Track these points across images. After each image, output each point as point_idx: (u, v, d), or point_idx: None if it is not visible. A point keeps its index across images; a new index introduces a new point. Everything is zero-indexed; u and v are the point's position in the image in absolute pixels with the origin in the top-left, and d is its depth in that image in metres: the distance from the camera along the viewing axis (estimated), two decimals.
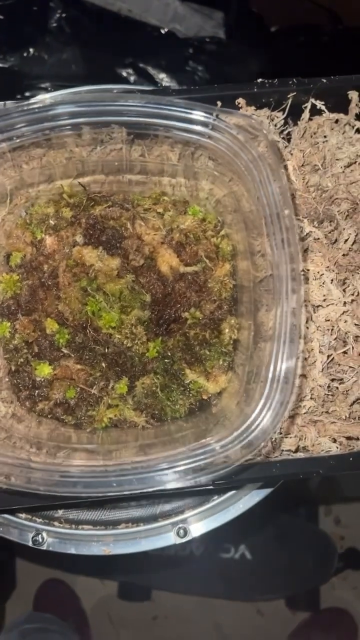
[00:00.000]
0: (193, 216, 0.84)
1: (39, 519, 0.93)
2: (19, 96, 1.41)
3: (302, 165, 0.84)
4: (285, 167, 0.83)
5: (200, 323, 0.82)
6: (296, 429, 0.78)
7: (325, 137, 0.84)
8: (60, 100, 0.68)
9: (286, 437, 0.78)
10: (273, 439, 0.76)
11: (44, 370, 0.79)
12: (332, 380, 0.80)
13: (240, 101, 0.81)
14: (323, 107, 0.82)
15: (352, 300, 0.80)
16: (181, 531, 0.93)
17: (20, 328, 0.79)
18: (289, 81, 0.81)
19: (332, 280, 0.79)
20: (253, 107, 0.82)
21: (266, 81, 0.82)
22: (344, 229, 0.81)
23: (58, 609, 1.83)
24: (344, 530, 2.00)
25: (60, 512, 0.94)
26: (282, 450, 0.78)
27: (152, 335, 0.82)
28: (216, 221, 0.85)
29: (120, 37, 1.51)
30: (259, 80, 0.82)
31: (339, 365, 0.80)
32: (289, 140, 0.85)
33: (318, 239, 0.81)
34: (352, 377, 0.79)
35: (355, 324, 0.79)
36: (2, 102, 0.78)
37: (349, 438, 0.79)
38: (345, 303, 0.79)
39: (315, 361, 0.78)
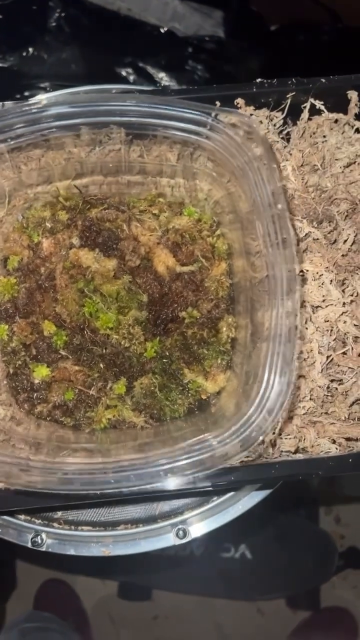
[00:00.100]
0: (189, 217, 0.84)
1: (38, 520, 0.93)
2: (18, 96, 1.41)
3: (302, 165, 0.84)
4: (285, 167, 0.83)
5: (197, 322, 0.82)
6: (295, 430, 0.78)
7: (324, 137, 0.84)
8: (58, 101, 0.68)
9: (285, 438, 0.77)
10: (272, 440, 0.76)
11: (42, 372, 0.79)
12: (332, 381, 0.79)
13: (239, 101, 0.81)
14: (322, 107, 0.82)
15: (352, 301, 0.80)
16: (180, 532, 0.93)
17: (18, 330, 0.79)
18: (288, 81, 0.81)
19: (331, 280, 0.79)
20: (252, 107, 0.82)
21: (265, 81, 0.82)
22: (343, 230, 0.81)
23: (58, 608, 1.83)
24: (344, 529, 2.00)
25: (59, 514, 0.94)
26: (282, 451, 0.78)
27: (149, 335, 0.81)
28: (212, 221, 0.85)
29: (120, 36, 1.50)
30: (258, 80, 0.82)
31: (338, 366, 0.80)
32: (288, 140, 0.85)
33: (317, 239, 0.81)
34: (351, 378, 0.79)
35: (355, 325, 0.79)
36: (1, 103, 0.78)
37: (348, 439, 0.79)
38: (344, 304, 0.79)
39: (314, 362, 0.78)
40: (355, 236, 0.81)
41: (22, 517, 0.93)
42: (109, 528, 0.94)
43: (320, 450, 0.78)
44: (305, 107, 0.82)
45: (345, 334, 0.79)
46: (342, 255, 0.81)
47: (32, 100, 0.69)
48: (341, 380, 0.80)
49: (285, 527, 1.82)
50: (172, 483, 0.72)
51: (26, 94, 1.42)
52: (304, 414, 0.79)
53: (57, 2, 1.44)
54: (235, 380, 0.76)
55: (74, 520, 0.94)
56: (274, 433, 0.76)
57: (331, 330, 0.79)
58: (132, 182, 0.83)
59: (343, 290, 0.80)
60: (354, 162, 0.83)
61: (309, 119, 0.84)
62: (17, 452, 0.67)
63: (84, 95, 0.72)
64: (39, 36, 1.44)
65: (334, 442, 0.78)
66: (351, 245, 0.81)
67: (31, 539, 0.92)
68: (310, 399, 0.79)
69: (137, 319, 0.80)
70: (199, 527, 0.94)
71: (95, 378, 0.79)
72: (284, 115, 0.83)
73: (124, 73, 1.48)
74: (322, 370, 0.78)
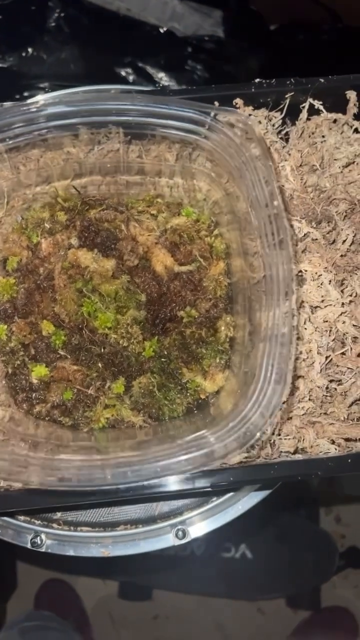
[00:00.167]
0: (187, 217, 0.84)
1: (38, 521, 0.93)
2: (17, 96, 1.41)
3: (300, 165, 0.84)
4: (283, 168, 0.83)
5: (196, 321, 0.82)
6: (294, 431, 0.78)
7: (323, 137, 0.83)
8: (56, 101, 0.68)
9: (284, 439, 0.77)
10: (271, 441, 0.76)
11: (41, 372, 0.79)
12: (331, 381, 0.79)
13: (238, 101, 0.81)
14: (321, 107, 0.82)
15: (350, 301, 0.80)
16: (180, 533, 0.93)
17: (17, 330, 0.79)
18: (287, 81, 0.81)
19: (330, 281, 0.79)
20: (251, 107, 0.82)
21: (264, 81, 0.81)
22: (342, 230, 0.81)
23: (59, 608, 1.83)
24: (344, 528, 2.00)
25: (59, 514, 0.94)
26: (281, 452, 0.78)
27: (148, 335, 0.81)
28: (209, 222, 0.85)
29: (119, 36, 1.50)
30: (257, 80, 0.82)
31: (337, 366, 0.80)
32: (287, 141, 0.85)
33: (316, 239, 0.81)
34: (350, 379, 0.79)
35: (354, 325, 0.79)
36: (0, 103, 0.77)
37: (347, 439, 0.79)
38: (343, 304, 0.79)
39: (313, 362, 0.78)
40: (354, 236, 0.81)
41: (22, 518, 0.93)
42: (109, 529, 0.94)
43: (320, 450, 0.78)
44: (304, 107, 0.82)
45: (344, 334, 0.79)
46: (341, 256, 0.80)
47: (30, 101, 0.69)
48: (340, 380, 0.80)
49: (285, 526, 1.82)
50: (171, 482, 0.72)
51: (25, 94, 1.42)
52: (303, 414, 0.78)
53: (56, 2, 1.44)
54: (234, 380, 0.76)
55: (73, 521, 0.94)
56: (273, 433, 0.76)
57: (330, 331, 0.79)
58: (131, 182, 0.83)
59: (342, 291, 0.80)
60: (353, 162, 0.83)
61: (308, 119, 0.83)
62: (16, 449, 0.67)
63: (81, 95, 0.72)
64: (38, 36, 1.44)
65: (333, 442, 0.78)
66: (350, 246, 0.81)
67: (31, 539, 0.91)
68: (310, 399, 0.79)
69: (135, 318, 0.80)
70: (198, 527, 0.94)
71: (94, 377, 0.79)
72: (283, 115, 0.83)
73: (123, 73, 1.48)
74: (321, 370, 0.78)
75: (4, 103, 0.76)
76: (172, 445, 0.65)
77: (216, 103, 0.79)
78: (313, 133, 0.84)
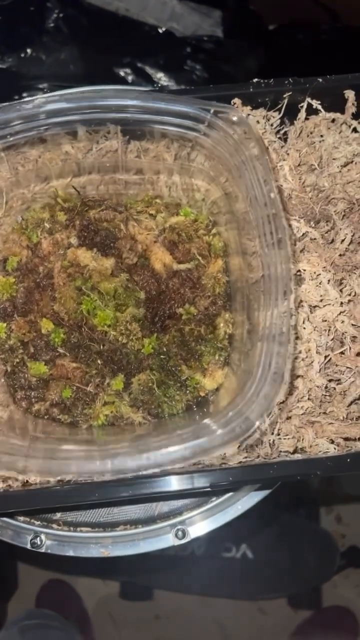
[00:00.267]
0: (185, 217, 0.85)
1: (38, 521, 0.93)
2: (16, 97, 1.40)
3: (299, 165, 0.84)
4: (282, 167, 0.83)
5: (195, 319, 0.82)
6: (294, 430, 0.78)
7: (321, 136, 0.83)
8: (54, 99, 0.68)
9: (284, 439, 0.77)
10: (270, 440, 0.76)
11: (40, 370, 0.79)
12: (330, 381, 0.79)
13: (236, 101, 0.81)
14: (319, 107, 0.82)
15: (349, 301, 0.80)
16: (180, 533, 0.93)
17: (16, 329, 0.80)
18: (285, 81, 0.81)
19: (328, 280, 0.79)
20: (249, 107, 0.82)
21: (262, 81, 0.81)
22: (340, 229, 0.81)
23: (60, 608, 1.83)
24: (345, 528, 2.00)
25: (58, 515, 0.94)
26: (280, 452, 0.78)
27: (147, 332, 0.82)
28: (207, 221, 0.85)
29: (118, 36, 1.50)
30: (255, 80, 0.81)
31: (336, 365, 0.80)
32: (285, 140, 0.85)
33: (314, 239, 0.81)
34: (349, 378, 0.79)
35: (352, 325, 0.79)
36: None
37: (346, 439, 0.79)
38: (342, 303, 0.79)
39: (312, 362, 0.78)
40: (352, 236, 0.81)
41: (21, 518, 0.93)
42: (108, 529, 0.94)
43: (319, 450, 0.78)
44: (302, 106, 0.82)
45: (343, 333, 0.79)
46: (340, 255, 0.80)
47: (28, 99, 0.69)
48: (339, 380, 0.80)
49: (286, 526, 1.82)
50: (171, 482, 0.72)
51: (24, 95, 1.42)
52: (302, 414, 0.78)
53: (55, 2, 1.44)
54: (234, 378, 0.76)
55: (73, 522, 0.94)
56: (272, 433, 0.76)
57: (329, 330, 0.79)
58: (129, 182, 0.83)
59: (341, 290, 0.80)
60: (351, 162, 0.83)
61: (306, 118, 0.83)
62: (16, 441, 0.67)
63: (79, 94, 0.72)
64: (37, 37, 1.44)
65: (332, 442, 0.78)
66: (348, 245, 0.81)
67: (30, 540, 0.91)
68: (309, 398, 0.79)
69: (134, 316, 0.81)
70: (198, 527, 0.94)
71: (93, 375, 0.79)
72: (281, 115, 0.83)
73: (122, 73, 1.48)
74: (320, 370, 0.78)
75: (2, 104, 0.76)
76: (171, 435, 0.64)
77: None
78: (311, 133, 0.84)
